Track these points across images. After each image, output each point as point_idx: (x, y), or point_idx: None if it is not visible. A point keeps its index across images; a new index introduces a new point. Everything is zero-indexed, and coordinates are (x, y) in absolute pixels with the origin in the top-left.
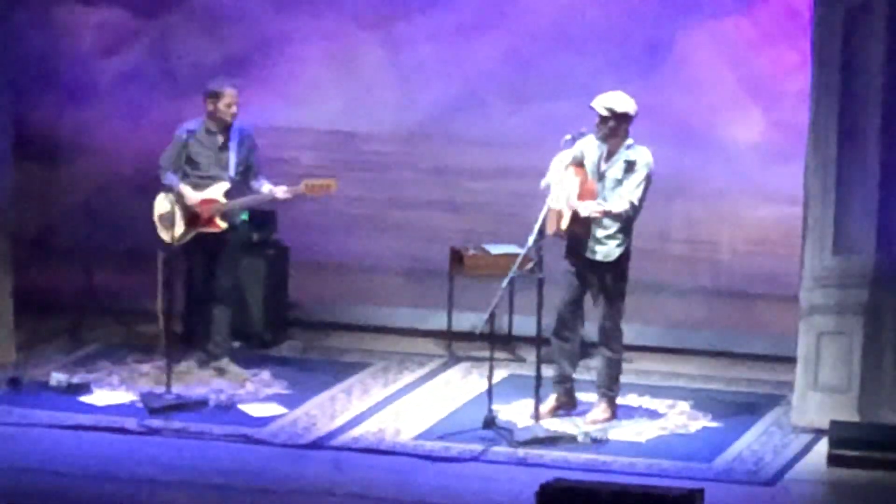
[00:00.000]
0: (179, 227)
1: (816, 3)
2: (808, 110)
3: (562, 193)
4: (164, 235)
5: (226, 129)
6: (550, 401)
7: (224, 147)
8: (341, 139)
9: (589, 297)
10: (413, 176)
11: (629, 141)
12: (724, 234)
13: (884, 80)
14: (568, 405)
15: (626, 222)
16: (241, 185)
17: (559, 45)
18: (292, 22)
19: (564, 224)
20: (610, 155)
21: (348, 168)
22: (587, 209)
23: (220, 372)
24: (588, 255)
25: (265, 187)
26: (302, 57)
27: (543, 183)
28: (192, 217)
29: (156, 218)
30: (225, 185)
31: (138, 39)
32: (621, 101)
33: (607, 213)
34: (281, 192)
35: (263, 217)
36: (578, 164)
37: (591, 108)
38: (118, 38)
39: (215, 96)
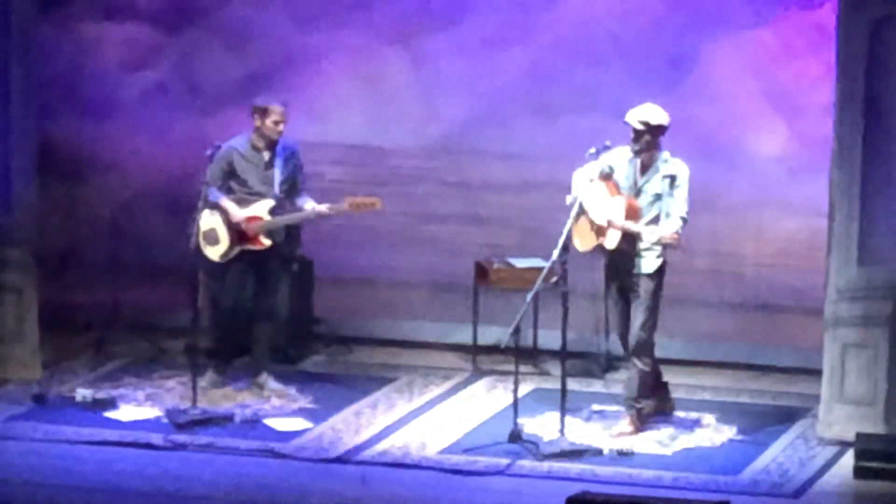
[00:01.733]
0: (224, 244)
1: (840, 15)
2: (833, 122)
3: (598, 210)
4: (209, 252)
5: (271, 145)
6: (648, 408)
7: (270, 164)
8: (365, 154)
9: None
10: (437, 190)
11: (665, 154)
12: (749, 246)
13: None
14: (664, 407)
15: None
16: (284, 202)
17: (583, 59)
18: (316, 37)
19: (613, 245)
20: (645, 168)
21: (372, 182)
22: (653, 235)
23: (260, 388)
24: (634, 269)
25: (308, 204)
26: (326, 72)
27: (570, 198)
28: (237, 234)
29: (200, 234)
30: (270, 203)
31: (163, 55)
32: (655, 114)
33: (676, 240)
34: (325, 209)
35: (287, 232)
36: (606, 177)
37: (626, 124)
38: (142, 55)
39: (263, 112)
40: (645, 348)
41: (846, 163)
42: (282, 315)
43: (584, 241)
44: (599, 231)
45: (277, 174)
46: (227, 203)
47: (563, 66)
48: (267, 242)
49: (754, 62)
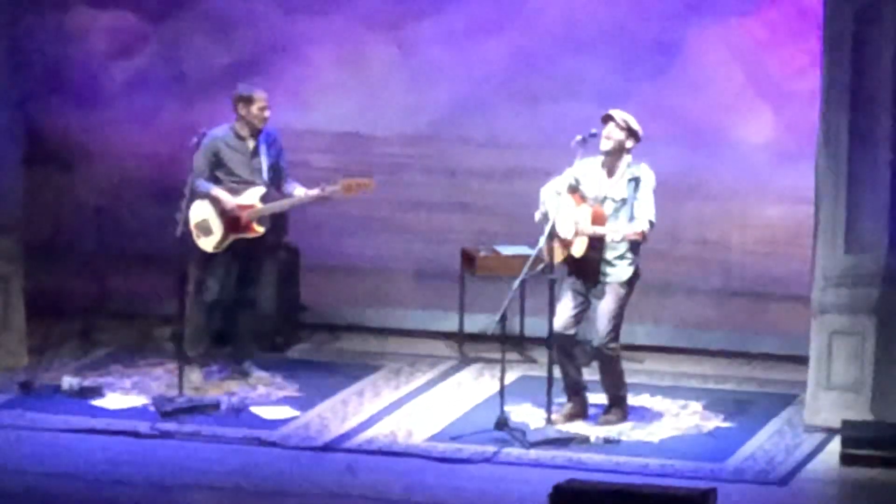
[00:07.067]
0: (217, 234)
1: (826, 3)
2: (819, 110)
3: (566, 222)
4: (202, 243)
5: (256, 133)
6: (567, 408)
7: (255, 152)
8: (352, 141)
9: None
10: (424, 177)
11: (629, 158)
12: (735, 234)
13: (894, 79)
14: (580, 412)
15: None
16: (271, 189)
17: (569, 47)
18: (302, 24)
19: (580, 252)
20: (610, 174)
21: (359, 170)
22: (618, 233)
23: (244, 376)
24: (601, 279)
25: (297, 190)
26: (312, 59)
27: (538, 215)
28: (231, 223)
29: (192, 226)
30: (261, 190)
31: (148, 43)
32: (634, 120)
33: (641, 235)
34: (318, 191)
35: (274, 219)
36: (573, 190)
37: (608, 117)
38: (128, 42)
39: (248, 101)
40: (608, 343)
41: (832, 150)
42: (266, 304)
43: (556, 254)
44: (566, 244)
45: (264, 161)
46: (218, 192)
47: (549, 53)
48: (261, 230)
49: (740, 49)
